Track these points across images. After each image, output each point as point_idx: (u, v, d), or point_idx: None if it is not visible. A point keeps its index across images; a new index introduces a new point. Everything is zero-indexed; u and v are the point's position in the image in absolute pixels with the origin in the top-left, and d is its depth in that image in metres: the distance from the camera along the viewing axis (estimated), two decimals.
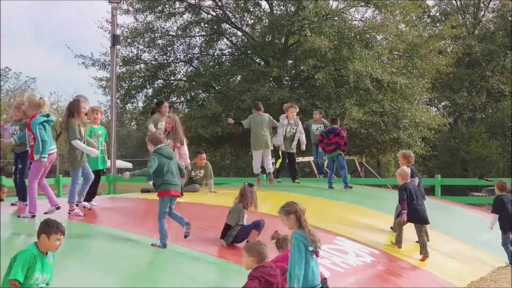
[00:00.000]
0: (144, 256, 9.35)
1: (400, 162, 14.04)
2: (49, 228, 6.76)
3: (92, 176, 12.05)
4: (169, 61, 40.90)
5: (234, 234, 10.31)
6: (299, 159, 34.14)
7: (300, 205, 7.71)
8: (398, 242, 12.55)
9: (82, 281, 7.66)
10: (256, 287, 7.41)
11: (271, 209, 12.24)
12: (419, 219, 12.28)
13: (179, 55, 40.90)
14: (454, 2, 54.07)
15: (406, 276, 11.26)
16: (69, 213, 11.33)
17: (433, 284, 11.19)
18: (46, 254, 6.76)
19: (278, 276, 7.65)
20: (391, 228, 13.55)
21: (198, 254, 9.71)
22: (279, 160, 18.75)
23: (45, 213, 10.54)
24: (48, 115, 10.72)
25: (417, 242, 12.41)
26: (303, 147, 18.96)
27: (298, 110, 19.16)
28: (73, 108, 11.44)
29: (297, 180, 19.28)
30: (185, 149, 14.98)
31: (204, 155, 16.53)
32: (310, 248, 7.41)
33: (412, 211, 12.25)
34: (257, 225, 10.31)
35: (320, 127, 20.35)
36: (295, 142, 18.69)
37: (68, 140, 11.47)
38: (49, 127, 10.76)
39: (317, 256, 7.57)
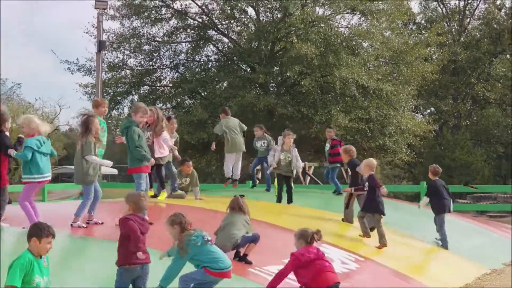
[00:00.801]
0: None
1: (343, 157, 15.62)
2: (40, 231, 6.76)
3: (101, 193, 11.97)
4: (155, 67, 40.83)
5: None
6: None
7: (186, 218, 8.12)
8: (366, 233, 13.42)
9: None
10: (131, 228, 7.71)
11: (264, 216, 12.32)
12: (379, 210, 13.33)
13: (165, 61, 40.87)
14: (439, 9, 54.27)
15: (391, 283, 11.26)
16: (71, 225, 11.22)
17: None
18: (41, 257, 6.74)
19: (148, 227, 8.04)
20: (342, 219, 14.97)
21: None
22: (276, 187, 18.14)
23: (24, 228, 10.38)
24: (44, 142, 10.82)
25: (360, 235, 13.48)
26: (298, 171, 18.58)
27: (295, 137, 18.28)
28: (90, 124, 11.48)
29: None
30: (164, 134, 14.76)
31: (191, 163, 16.44)
32: (205, 238, 7.94)
33: (373, 203, 13.38)
34: (255, 239, 10.32)
35: (264, 143, 19.27)
36: (290, 168, 17.94)
37: (81, 156, 11.41)
38: (41, 154, 10.79)
39: (211, 243, 8.07)
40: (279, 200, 17.12)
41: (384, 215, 13.45)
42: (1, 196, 11.08)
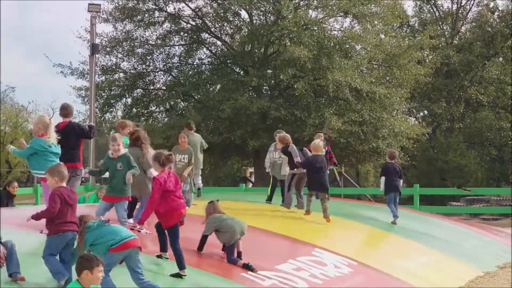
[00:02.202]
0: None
1: (278, 146, 16.29)
2: (90, 262, 6.83)
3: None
4: (148, 70, 40.77)
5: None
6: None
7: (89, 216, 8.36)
8: (308, 211, 15.19)
9: None
10: (57, 202, 7.86)
11: (256, 221, 12.31)
12: (323, 188, 15.18)
13: (159, 64, 40.78)
14: (432, 12, 54.35)
15: (384, 286, 11.26)
16: (139, 231, 11.17)
17: None
18: None
19: (76, 198, 8.32)
20: (295, 206, 16.12)
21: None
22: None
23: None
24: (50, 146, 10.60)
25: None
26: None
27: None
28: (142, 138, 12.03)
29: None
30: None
31: (185, 136, 16.04)
32: (102, 220, 8.28)
33: (317, 181, 15.16)
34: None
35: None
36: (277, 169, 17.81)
37: (142, 169, 11.59)
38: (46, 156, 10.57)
39: (108, 222, 8.27)
40: (269, 199, 17.34)
41: (326, 192, 15.15)
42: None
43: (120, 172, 10.67)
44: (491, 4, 52.61)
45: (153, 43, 40.02)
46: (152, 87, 41.46)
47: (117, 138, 10.84)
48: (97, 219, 8.34)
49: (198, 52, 41.35)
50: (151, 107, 40.96)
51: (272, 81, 38.34)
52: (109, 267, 7.84)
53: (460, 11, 53.32)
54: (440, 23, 53.41)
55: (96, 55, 30.75)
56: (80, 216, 8.24)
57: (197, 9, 39.68)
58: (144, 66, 40.41)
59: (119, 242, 7.95)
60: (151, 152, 11.67)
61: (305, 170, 15.50)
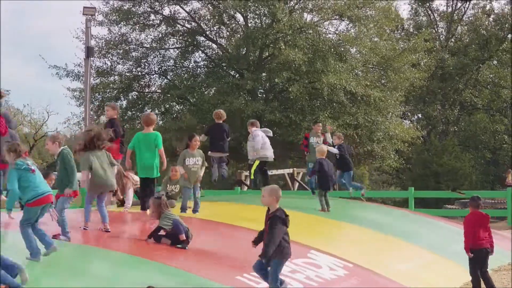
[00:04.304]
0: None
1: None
2: None
3: None
4: (144, 73, 40.80)
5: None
6: (273, 172, 34.19)
7: (22, 147, 9.21)
8: (323, 208, 16.63)
9: None
10: None
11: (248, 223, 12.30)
12: (326, 186, 16.89)
13: (154, 67, 40.84)
14: (428, 14, 54.37)
15: None
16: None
17: None
18: None
19: None
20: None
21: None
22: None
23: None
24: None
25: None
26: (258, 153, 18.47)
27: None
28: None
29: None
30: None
31: (177, 169, 16.09)
32: (29, 166, 8.85)
33: (323, 180, 16.82)
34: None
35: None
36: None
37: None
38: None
39: (33, 172, 8.90)
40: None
41: (328, 190, 17.10)
42: None
43: (59, 171, 10.74)
44: (487, 7, 52.67)
45: (148, 46, 40.03)
46: (147, 90, 41.52)
47: (49, 138, 10.87)
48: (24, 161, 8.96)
49: (194, 55, 41.42)
50: (146, 110, 40.92)
51: (267, 84, 38.40)
52: (29, 221, 8.60)
53: (455, 14, 53.35)
54: (435, 26, 53.48)
55: (91, 58, 30.67)
56: (15, 143, 9.61)
57: (192, 12, 39.72)
58: (139, 69, 40.44)
59: (36, 197, 8.67)
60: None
61: None
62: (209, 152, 16.85)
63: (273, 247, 8.58)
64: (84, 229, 11.62)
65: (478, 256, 11.78)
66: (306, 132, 20.68)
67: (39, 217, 8.99)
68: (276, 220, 8.67)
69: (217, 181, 18.12)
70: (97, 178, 11.58)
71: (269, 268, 8.90)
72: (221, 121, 17.41)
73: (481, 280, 11.81)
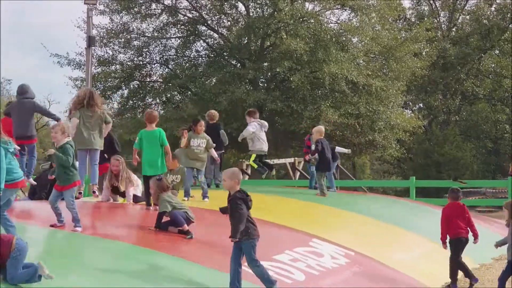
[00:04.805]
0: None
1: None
2: None
3: None
4: (145, 62, 40.79)
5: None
6: (275, 161, 34.23)
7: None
8: (323, 193, 16.96)
9: None
10: None
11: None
12: (326, 168, 17.40)
13: (155, 56, 40.81)
14: (430, 3, 54.23)
15: (381, 277, 11.31)
16: None
17: (407, 285, 11.26)
18: None
19: None
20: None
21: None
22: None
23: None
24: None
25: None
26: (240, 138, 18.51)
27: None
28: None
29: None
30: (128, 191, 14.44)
31: (176, 160, 16.09)
32: (12, 149, 8.95)
33: (322, 162, 17.03)
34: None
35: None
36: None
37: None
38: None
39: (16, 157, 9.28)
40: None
41: (329, 171, 17.97)
42: None
43: (59, 162, 10.73)
44: None
45: (150, 35, 39.99)
46: (148, 79, 41.51)
47: (55, 126, 10.81)
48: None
49: (195, 44, 41.35)
50: (147, 99, 40.98)
51: (269, 74, 38.38)
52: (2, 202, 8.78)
53: (457, 3, 53.22)
54: (436, 15, 53.37)
55: (93, 47, 30.65)
56: None
57: (193, 1, 39.65)
58: (140, 58, 40.43)
59: (15, 180, 8.89)
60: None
61: None
62: None
63: (241, 226, 8.52)
64: (79, 193, 12.19)
65: (457, 245, 11.85)
66: (307, 138, 20.37)
67: (10, 201, 9.17)
68: (237, 201, 8.65)
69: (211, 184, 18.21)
70: (78, 134, 12.36)
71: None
72: (214, 121, 17.74)
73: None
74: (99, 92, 38.10)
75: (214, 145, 15.72)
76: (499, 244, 11.36)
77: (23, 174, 9.62)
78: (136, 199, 14.22)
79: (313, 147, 18.84)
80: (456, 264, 11.82)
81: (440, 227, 12.04)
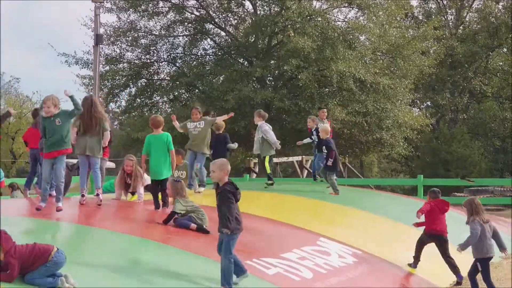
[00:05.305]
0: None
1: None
2: None
3: None
4: (152, 60, 40.83)
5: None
6: (283, 159, 34.25)
7: None
8: (335, 191, 17.09)
9: None
10: None
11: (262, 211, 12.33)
12: (337, 167, 17.51)
13: (163, 54, 40.85)
14: (437, 1, 54.09)
15: (388, 276, 11.30)
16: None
17: (415, 284, 11.26)
18: None
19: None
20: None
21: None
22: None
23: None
24: None
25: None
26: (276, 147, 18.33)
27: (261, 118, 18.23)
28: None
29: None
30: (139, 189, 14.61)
31: (181, 155, 16.21)
32: None
33: (335, 161, 17.07)
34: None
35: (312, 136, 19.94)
36: (255, 146, 18.18)
37: None
38: None
39: None
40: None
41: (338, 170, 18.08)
42: None
43: (59, 127, 10.92)
44: None
45: (157, 33, 40.02)
46: (156, 77, 41.55)
47: (47, 101, 11.09)
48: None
49: (202, 42, 41.36)
50: (155, 97, 41.05)
51: (276, 72, 38.35)
52: None
53: (464, 1, 53.07)
54: (444, 13, 53.25)
55: (100, 45, 30.68)
56: None
57: (200, 0, 39.67)
58: (148, 56, 40.49)
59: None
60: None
61: None
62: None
63: (230, 218, 8.52)
64: (82, 195, 12.34)
65: (443, 242, 12.23)
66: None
67: None
68: (226, 193, 8.63)
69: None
70: (78, 141, 12.52)
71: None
72: (220, 132, 17.65)
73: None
74: (106, 90, 38.29)
75: (215, 119, 16.40)
76: (461, 248, 11.20)
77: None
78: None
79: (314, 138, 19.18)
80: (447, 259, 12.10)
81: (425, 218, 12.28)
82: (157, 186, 13.21)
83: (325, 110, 22.16)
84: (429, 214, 12.22)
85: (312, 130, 19.64)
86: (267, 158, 17.87)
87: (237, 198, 8.69)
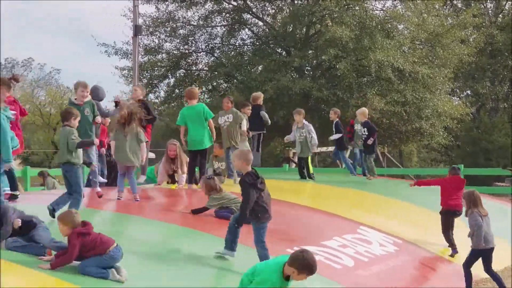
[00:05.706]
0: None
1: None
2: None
3: None
4: (191, 50, 40.96)
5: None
6: (323, 149, 34.16)
7: None
8: (373, 174, 18.20)
9: None
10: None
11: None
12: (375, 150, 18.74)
13: (201, 45, 40.95)
14: None
15: (430, 265, 11.29)
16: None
17: (456, 273, 11.21)
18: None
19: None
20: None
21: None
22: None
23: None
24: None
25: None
26: (313, 149, 18.19)
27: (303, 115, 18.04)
28: None
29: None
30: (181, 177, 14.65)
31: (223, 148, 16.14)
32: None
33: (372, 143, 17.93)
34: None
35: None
36: (299, 148, 17.78)
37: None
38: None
39: None
40: (302, 177, 17.78)
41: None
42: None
43: (87, 118, 11.04)
44: None
45: (195, 23, 40.12)
46: (194, 68, 41.69)
47: (87, 86, 11.23)
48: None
49: (240, 32, 41.39)
50: (194, 85, 41.19)
51: (314, 62, 38.25)
52: None
53: None
54: (483, 1, 52.63)
55: (139, 36, 30.87)
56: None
57: None
58: (186, 46, 40.62)
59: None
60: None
61: None
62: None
63: (246, 209, 8.56)
64: (118, 199, 12.17)
65: (451, 216, 12.54)
66: (352, 120, 20.39)
67: None
68: (244, 184, 8.65)
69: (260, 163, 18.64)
70: (117, 152, 12.21)
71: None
72: (256, 103, 18.05)
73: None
74: (145, 81, 38.54)
75: (243, 118, 16.11)
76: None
77: None
78: None
79: (357, 127, 19.00)
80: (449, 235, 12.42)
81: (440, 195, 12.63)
82: (196, 158, 13.20)
83: (338, 110, 21.51)
84: (445, 190, 12.59)
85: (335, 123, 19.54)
86: (309, 159, 17.75)
87: (258, 187, 8.70)
